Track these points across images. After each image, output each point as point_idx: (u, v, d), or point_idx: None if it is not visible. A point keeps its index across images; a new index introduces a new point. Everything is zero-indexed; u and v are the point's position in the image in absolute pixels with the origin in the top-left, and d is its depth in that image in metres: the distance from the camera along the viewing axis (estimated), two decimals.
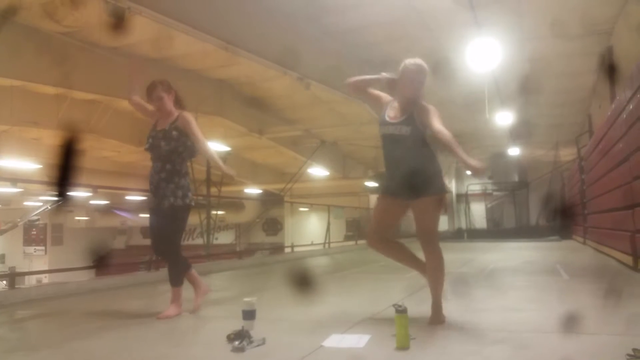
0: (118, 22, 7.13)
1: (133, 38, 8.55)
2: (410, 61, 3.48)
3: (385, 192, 3.58)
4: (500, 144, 17.82)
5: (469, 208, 22.83)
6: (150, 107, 4.23)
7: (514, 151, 18.90)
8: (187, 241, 20.69)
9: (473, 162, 3.19)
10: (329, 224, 13.69)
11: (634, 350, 2.46)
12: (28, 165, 13.10)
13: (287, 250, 13.83)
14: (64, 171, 4.08)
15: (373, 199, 23.80)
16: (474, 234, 21.01)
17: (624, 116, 6.92)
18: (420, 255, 3.52)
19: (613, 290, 4.83)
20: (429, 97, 3.56)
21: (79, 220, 25.74)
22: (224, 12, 7.79)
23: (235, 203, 24.58)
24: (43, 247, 25.89)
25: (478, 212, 22.91)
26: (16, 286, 5.47)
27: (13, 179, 6.77)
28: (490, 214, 22.95)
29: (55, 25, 8.16)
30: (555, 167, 20.25)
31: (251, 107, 13.27)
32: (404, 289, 5.07)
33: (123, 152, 16.35)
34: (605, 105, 10.46)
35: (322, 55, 9.84)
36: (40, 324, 4.16)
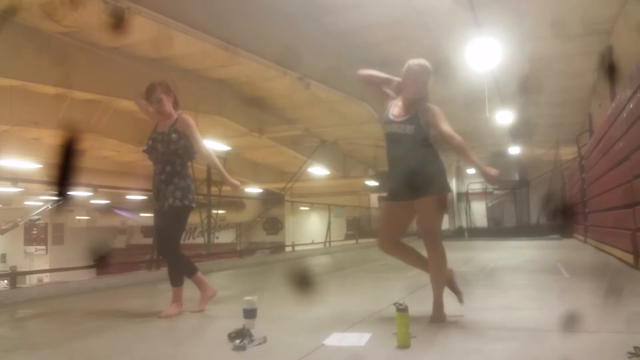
0: (118, 22, 7.13)
1: (133, 38, 8.56)
2: (414, 61, 3.49)
3: (389, 198, 3.58)
4: (500, 143, 17.82)
5: (469, 207, 22.83)
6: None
7: (514, 150, 18.91)
8: (187, 240, 20.74)
9: (488, 168, 3.24)
10: (329, 223, 13.69)
11: (635, 348, 2.46)
12: (28, 165, 13.11)
13: (288, 249, 13.84)
14: (64, 171, 4.08)
15: (373, 198, 23.86)
16: (475, 233, 21.01)
17: (624, 115, 6.93)
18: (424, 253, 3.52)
19: (614, 288, 4.83)
20: (429, 96, 3.57)
21: (79, 219, 25.75)
22: (223, 12, 7.79)
23: (236, 202, 24.59)
24: (44, 247, 25.91)
25: (479, 211, 22.91)
26: (17, 285, 5.47)
27: (13, 178, 6.77)
28: (490, 212, 22.95)
29: (55, 25, 8.16)
30: (556, 166, 20.24)
31: (251, 107, 13.27)
32: (404, 287, 5.07)
33: (123, 152, 16.36)
34: (605, 104, 10.46)
35: (322, 55, 9.84)
36: (41, 323, 4.16)
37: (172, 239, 4.06)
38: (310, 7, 8.31)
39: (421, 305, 3.53)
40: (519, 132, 16.00)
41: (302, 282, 5.03)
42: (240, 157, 19.19)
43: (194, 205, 4.10)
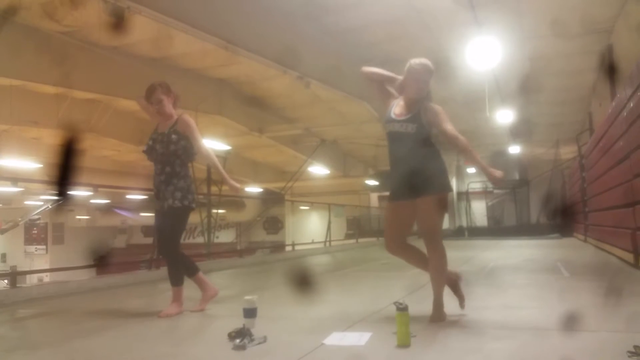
0: (118, 21, 7.13)
1: (133, 37, 8.57)
2: (415, 61, 3.50)
3: (391, 198, 3.58)
4: (500, 142, 17.83)
5: (469, 206, 22.84)
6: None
7: (514, 149, 18.91)
8: (187, 240, 20.75)
9: (492, 170, 3.25)
10: (329, 222, 13.69)
11: (635, 347, 2.46)
12: (28, 164, 13.11)
13: (288, 248, 13.84)
14: (64, 170, 4.08)
15: (373, 197, 23.87)
16: (475, 232, 21.02)
17: (625, 114, 6.92)
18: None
19: (614, 287, 4.83)
20: (432, 95, 3.56)
21: (79, 219, 25.78)
22: (223, 11, 7.79)
23: (236, 202, 24.60)
24: (44, 246, 25.95)
25: (479, 210, 22.93)
26: (17, 285, 5.47)
27: (13, 178, 6.76)
28: (491, 211, 22.96)
29: (55, 24, 8.17)
30: (556, 165, 20.25)
31: (251, 106, 13.28)
32: (404, 286, 5.07)
33: (123, 151, 16.37)
34: (605, 103, 10.46)
35: (322, 54, 9.84)
36: (41, 323, 4.16)
37: (172, 239, 4.07)
38: (310, 6, 8.31)
39: (421, 305, 3.53)
40: (519, 131, 16.00)
41: (302, 281, 5.03)
42: (240, 157, 19.20)
43: (193, 205, 4.10)
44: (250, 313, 3.01)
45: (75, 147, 4.16)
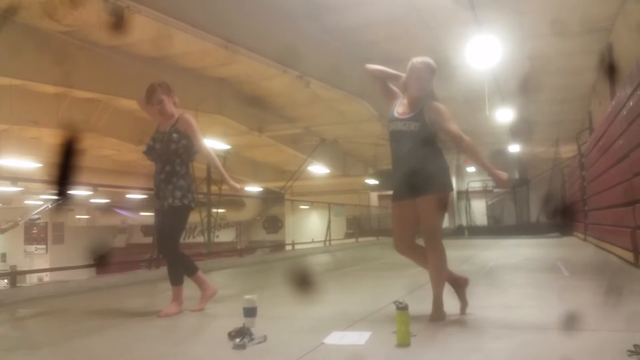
0: (117, 21, 7.13)
1: (132, 37, 8.55)
2: (417, 59, 3.50)
3: (394, 199, 3.58)
4: (500, 141, 17.83)
5: (469, 205, 22.85)
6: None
7: (514, 148, 18.92)
8: (187, 239, 20.75)
9: (498, 171, 3.25)
10: (329, 221, 13.70)
11: (635, 346, 2.46)
12: (28, 164, 13.11)
13: (288, 247, 13.85)
14: (64, 170, 4.08)
15: (373, 196, 23.88)
16: (475, 231, 21.03)
17: (624, 113, 6.92)
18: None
19: (614, 286, 4.83)
20: (436, 94, 3.56)
21: (79, 218, 25.78)
22: (223, 10, 7.79)
23: (236, 201, 24.61)
24: (44, 246, 25.96)
25: (478, 209, 22.94)
26: (17, 284, 5.47)
27: (13, 178, 6.76)
28: (490, 211, 22.97)
29: (54, 24, 8.16)
30: (556, 164, 20.25)
31: (251, 106, 13.27)
32: (404, 286, 5.07)
33: (123, 151, 16.36)
34: (605, 102, 10.46)
35: (322, 53, 9.84)
36: (41, 322, 4.16)
37: (172, 238, 4.07)
38: (311, 5, 8.31)
39: (421, 304, 3.53)
40: (518, 130, 16.00)
41: (302, 280, 5.03)
42: (240, 156, 19.20)
43: (193, 205, 4.10)
44: (250, 312, 3.01)
45: (75, 147, 4.16)
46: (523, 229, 19.90)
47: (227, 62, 10.10)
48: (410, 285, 5.02)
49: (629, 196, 6.81)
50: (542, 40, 9.64)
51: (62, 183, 4.26)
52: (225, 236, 24.97)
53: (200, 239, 17.10)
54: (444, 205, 3.46)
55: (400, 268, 7.09)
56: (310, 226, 24.17)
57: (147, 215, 20.96)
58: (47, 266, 21.61)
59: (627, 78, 6.99)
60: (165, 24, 7.52)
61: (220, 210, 21.40)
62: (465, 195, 22.82)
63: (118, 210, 25.24)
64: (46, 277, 14.71)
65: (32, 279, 15.75)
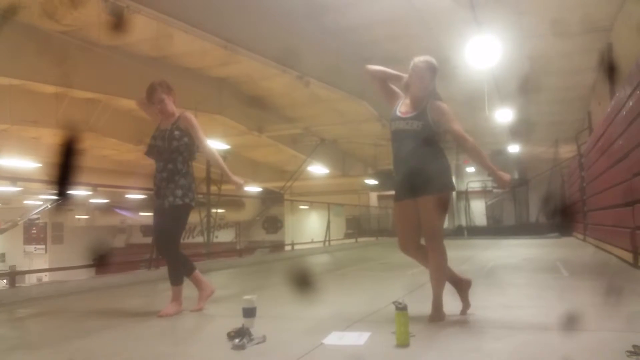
0: (117, 20, 7.13)
1: (132, 37, 8.56)
2: (419, 58, 3.50)
3: (395, 199, 3.57)
4: (500, 141, 17.84)
5: (468, 205, 22.85)
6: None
7: (513, 148, 18.92)
8: (187, 239, 20.73)
9: (500, 173, 3.26)
10: (329, 221, 13.69)
11: (634, 346, 2.46)
12: (28, 164, 13.10)
13: (288, 248, 13.84)
14: (64, 170, 4.07)
15: (373, 196, 23.87)
16: (474, 232, 21.02)
17: (624, 113, 6.93)
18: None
19: (613, 287, 4.83)
20: (439, 93, 3.56)
21: (79, 218, 25.74)
22: (223, 10, 7.79)
23: (235, 201, 24.58)
24: (43, 246, 25.90)
25: (478, 210, 22.94)
26: (16, 285, 5.46)
27: (13, 177, 6.76)
28: (490, 211, 22.98)
29: (54, 24, 8.15)
30: (555, 164, 20.25)
31: (251, 106, 13.27)
32: (404, 286, 5.07)
33: (122, 151, 16.36)
34: (604, 102, 10.46)
35: (321, 53, 9.84)
36: (40, 323, 4.16)
37: (173, 237, 4.06)
38: (310, 5, 8.31)
39: (420, 304, 3.52)
40: (518, 130, 16.00)
41: (302, 281, 5.03)
42: (240, 156, 19.19)
43: (193, 204, 4.10)
44: (249, 313, 3.01)
45: (75, 147, 4.15)
46: (522, 229, 19.90)
47: (226, 62, 10.10)
48: (409, 285, 5.02)
49: (628, 196, 6.81)
50: (541, 40, 9.64)
51: (61, 183, 4.25)
52: (224, 236, 24.92)
53: (199, 239, 17.08)
54: (445, 205, 3.46)
55: (399, 268, 7.09)
56: (309, 226, 24.16)
57: (147, 215, 20.94)
58: (46, 266, 21.56)
59: (626, 78, 6.99)
60: (165, 23, 7.53)
61: (219, 211, 21.38)
62: (464, 195, 22.83)
63: (117, 210, 25.22)
64: (45, 277, 14.66)
65: (31, 279, 15.70)
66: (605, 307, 3.78)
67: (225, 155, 14.20)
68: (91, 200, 21.55)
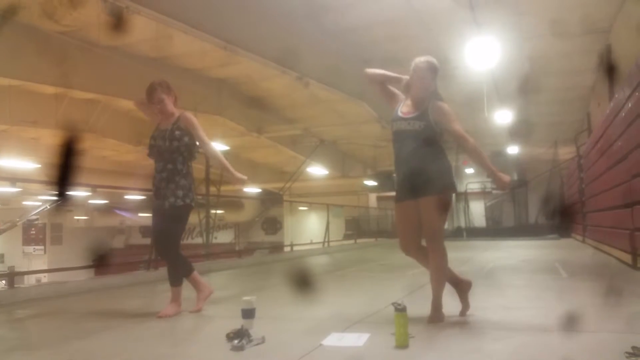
0: (117, 21, 7.13)
1: (132, 37, 8.56)
2: (420, 59, 3.51)
3: (396, 200, 3.57)
4: (499, 142, 17.84)
5: (468, 206, 22.84)
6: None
7: (513, 149, 18.92)
8: (186, 240, 20.63)
9: (500, 174, 3.28)
10: (328, 222, 13.69)
11: (633, 348, 2.46)
12: (27, 164, 13.09)
13: (287, 249, 13.84)
14: (63, 170, 4.07)
15: (372, 197, 23.86)
16: (473, 233, 21.00)
17: (623, 114, 6.93)
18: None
19: (612, 288, 4.83)
20: (440, 93, 3.56)
21: (78, 219, 25.72)
22: (223, 11, 7.79)
23: (235, 202, 24.57)
24: (42, 247, 25.88)
25: (477, 211, 22.93)
26: (15, 285, 5.46)
27: (12, 178, 6.76)
28: (489, 212, 22.97)
29: (54, 24, 8.15)
30: (555, 165, 20.25)
31: (250, 107, 13.27)
32: (403, 287, 5.07)
33: (122, 152, 16.36)
34: (604, 103, 10.47)
35: (321, 54, 9.84)
36: (39, 324, 4.15)
37: (173, 238, 4.05)
38: (310, 5, 8.31)
39: (420, 306, 3.52)
40: (517, 131, 16.01)
41: (301, 282, 5.03)
42: (239, 157, 19.18)
43: (193, 204, 4.09)
44: (248, 314, 3.01)
45: (74, 147, 4.15)
46: (521, 230, 19.89)
47: (226, 62, 10.10)
48: (409, 286, 5.02)
49: (627, 198, 6.81)
50: (541, 41, 9.65)
51: (60, 184, 4.25)
52: (223, 237, 24.92)
53: (198, 240, 17.06)
54: (446, 206, 3.45)
55: (398, 269, 7.09)
56: (309, 227, 24.14)
57: (146, 216, 20.92)
58: (45, 267, 21.54)
59: (626, 79, 6.99)
60: (165, 24, 7.53)
61: (219, 212, 21.37)
62: (463, 196, 22.82)
63: (117, 211, 25.20)
64: (44, 278, 14.63)
65: (30, 280, 15.70)
66: (605, 308, 3.78)
67: (225, 155, 14.23)
68: (90, 201, 21.53)
